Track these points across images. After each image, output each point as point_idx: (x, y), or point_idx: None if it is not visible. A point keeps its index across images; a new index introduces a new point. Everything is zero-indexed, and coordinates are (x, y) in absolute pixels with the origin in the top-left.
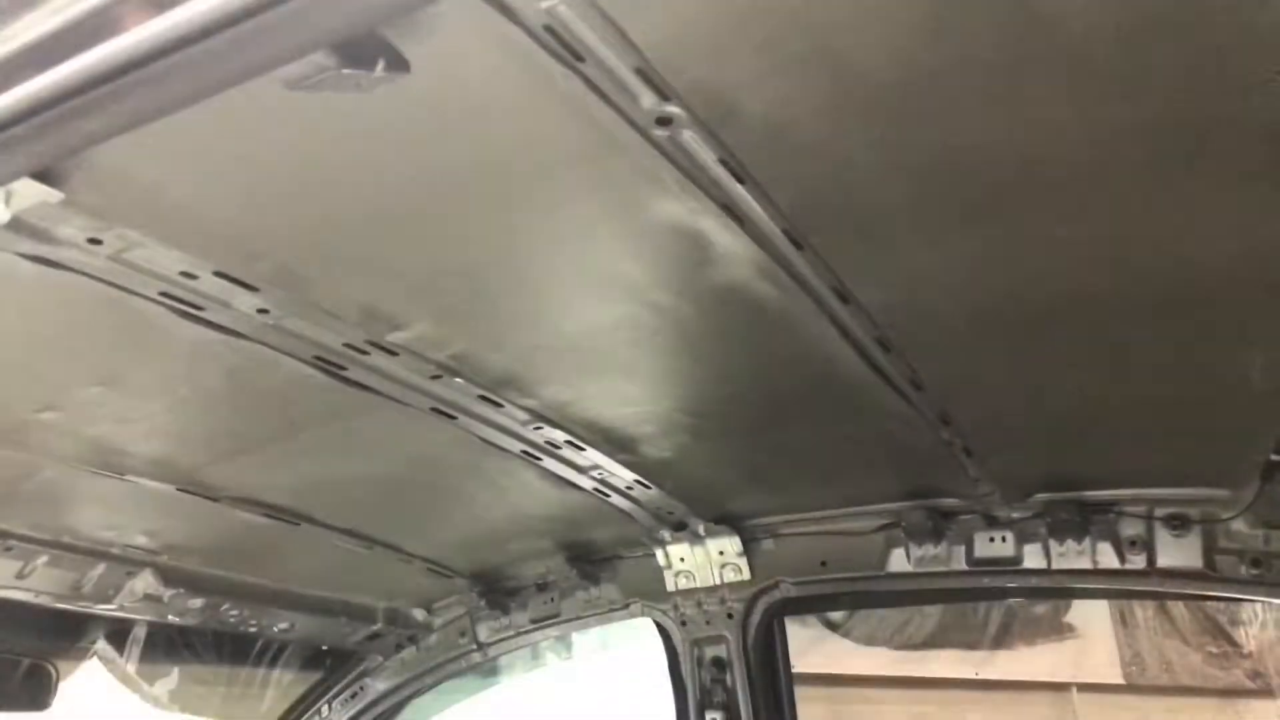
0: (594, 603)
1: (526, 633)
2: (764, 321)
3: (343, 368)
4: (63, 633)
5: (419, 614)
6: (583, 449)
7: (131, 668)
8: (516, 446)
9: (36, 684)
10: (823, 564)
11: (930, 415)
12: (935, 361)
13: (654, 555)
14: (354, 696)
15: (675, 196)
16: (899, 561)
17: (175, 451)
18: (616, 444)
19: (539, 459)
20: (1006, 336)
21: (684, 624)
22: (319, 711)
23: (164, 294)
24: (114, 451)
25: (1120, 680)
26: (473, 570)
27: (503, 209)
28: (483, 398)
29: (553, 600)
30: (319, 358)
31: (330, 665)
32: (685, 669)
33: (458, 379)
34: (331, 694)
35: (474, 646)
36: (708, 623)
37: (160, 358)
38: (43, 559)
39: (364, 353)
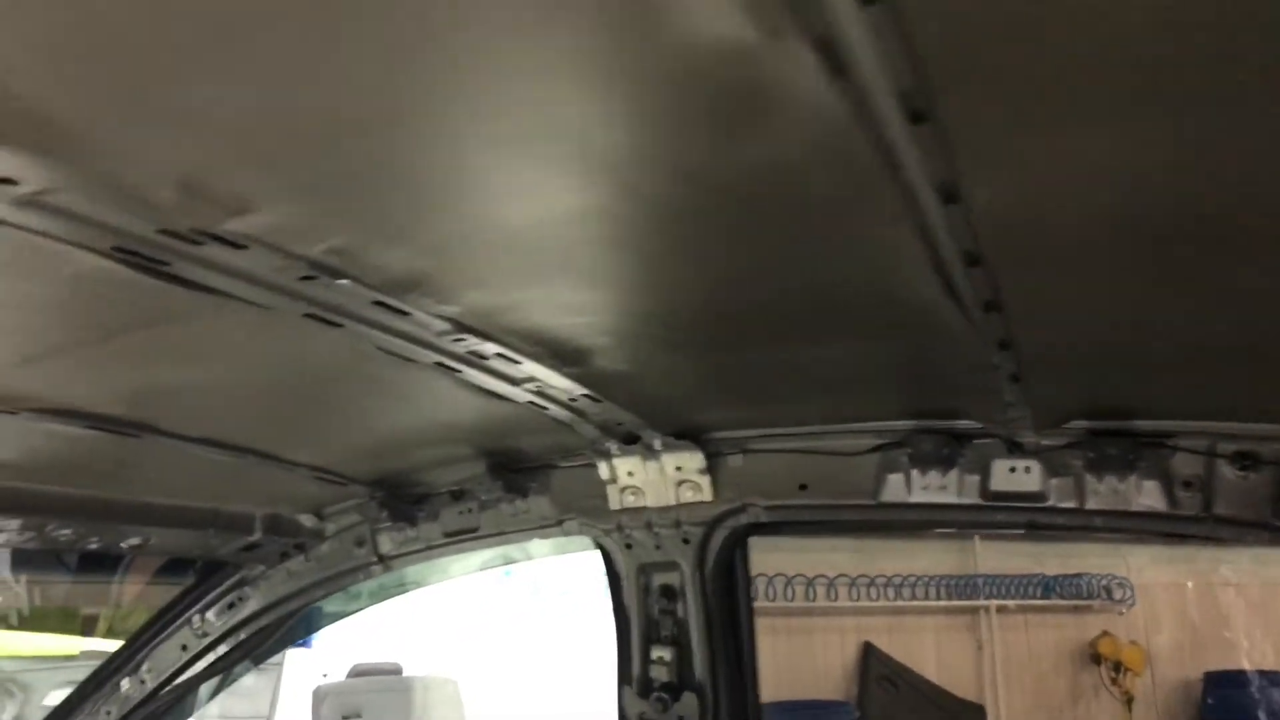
0: (520, 517)
1: (438, 546)
2: (802, 221)
3: (162, 263)
4: None
5: (307, 520)
6: (518, 362)
7: None
8: (429, 358)
9: None
10: (802, 487)
11: (990, 339)
12: (1026, 280)
13: (595, 467)
14: (231, 607)
15: (730, 10)
16: (896, 489)
17: None
18: (562, 357)
19: (458, 370)
20: (1113, 256)
21: (629, 547)
22: (189, 622)
23: None
24: None
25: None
26: (372, 477)
27: (412, 18)
28: (380, 304)
29: (470, 512)
30: (121, 249)
31: (201, 572)
32: (629, 597)
33: (342, 280)
34: (203, 604)
35: (374, 559)
36: (658, 547)
37: None
38: None
39: (193, 242)
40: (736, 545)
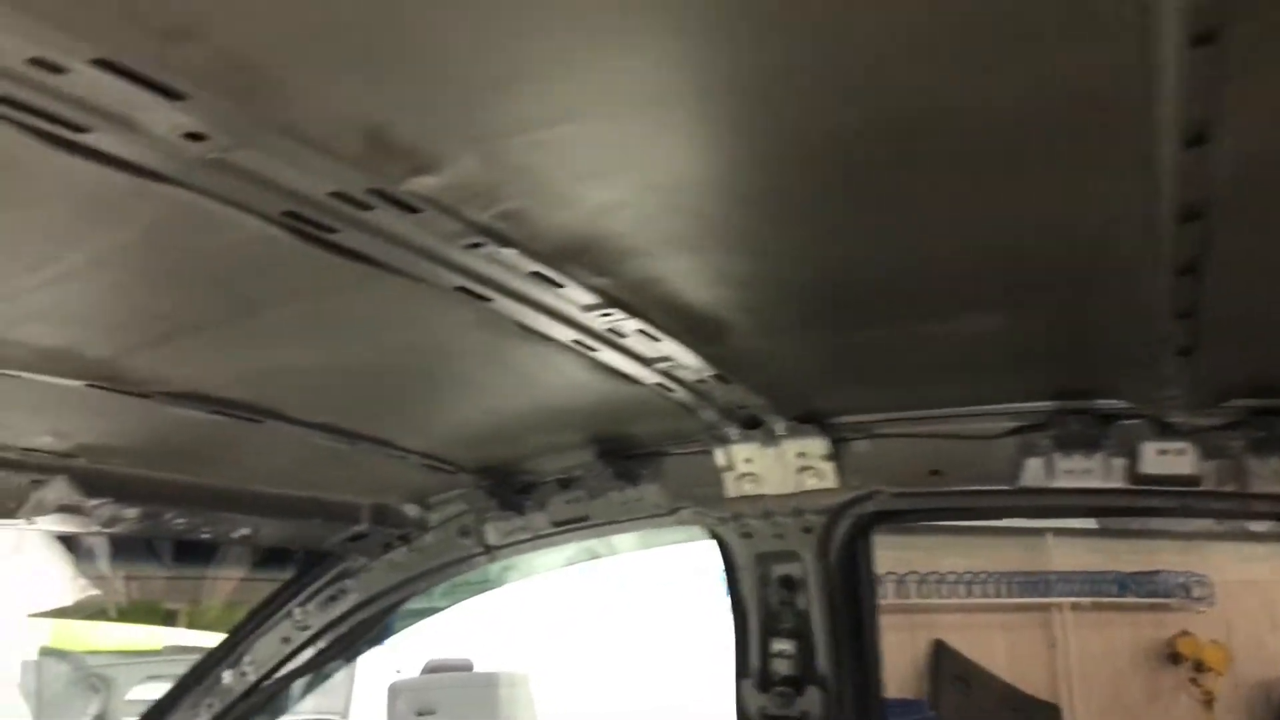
0: (631, 506)
1: (546, 536)
2: (1018, 170)
3: (328, 229)
4: None
5: (412, 510)
6: (656, 339)
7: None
8: (567, 335)
9: None
10: (934, 473)
11: (1171, 307)
12: (1243, 238)
13: (710, 453)
14: (332, 600)
15: None
16: (1036, 473)
17: (76, 338)
18: (702, 334)
19: (593, 350)
20: None
21: (747, 536)
22: (290, 614)
23: (9, 100)
24: None
25: (1093, 525)
26: (479, 464)
27: None
28: (537, 275)
29: (579, 500)
30: (291, 213)
31: (303, 564)
32: (747, 588)
33: (507, 249)
34: (303, 597)
35: (480, 550)
36: (778, 536)
37: (31, 206)
38: None
39: (365, 207)
40: (861, 534)
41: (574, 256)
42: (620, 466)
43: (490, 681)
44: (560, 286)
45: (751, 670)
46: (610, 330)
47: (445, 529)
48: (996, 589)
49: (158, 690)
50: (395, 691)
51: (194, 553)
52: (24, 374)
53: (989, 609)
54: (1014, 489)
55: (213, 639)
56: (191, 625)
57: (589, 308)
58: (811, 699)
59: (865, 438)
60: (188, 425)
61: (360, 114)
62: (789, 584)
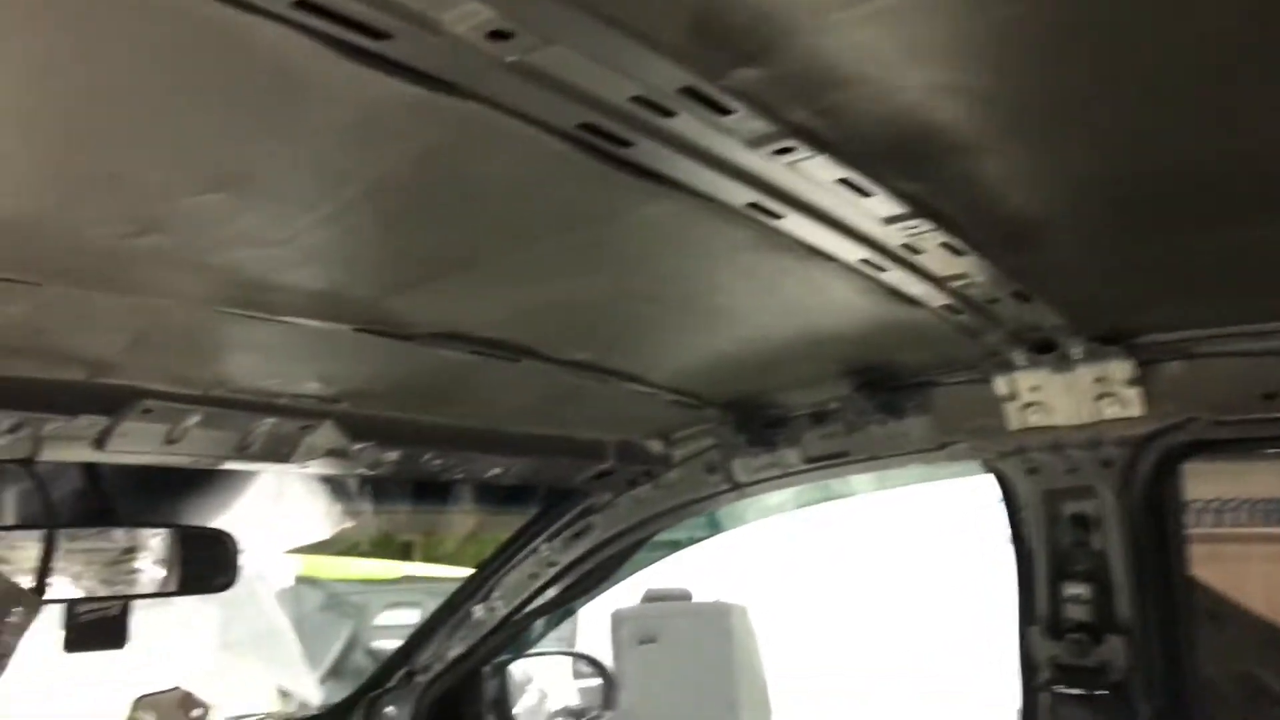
0: (895, 440)
1: (798, 473)
2: None
3: (624, 142)
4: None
5: (656, 446)
6: (960, 254)
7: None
8: (856, 254)
9: (222, 556)
10: (1268, 396)
11: None
12: None
13: (987, 382)
14: (578, 536)
15: None
16: None
17: (346, 280)
18: (1013, 245)
19: (881, 270)
20: None
21: (1032, 471)
22: (535, 550)
23: (309, 5)
24: (256, 286)
25: None
26: (727, 398)
27: None
28: (844, 182)
29: (835, 435)
30: (586, 125)
31: (548, 501)
32: (1032, 527)
33: (819, 155)
34: (549, 533)
35: (727, 486)
36: (1070, 471)
37: (310, 134)
38: (193, 419)
39: (669, 113)
40: (1170, 467)
41: (890, 158)
42: (883, 399)
43: (712, 611)
44: (866, 196)
45: (1039, 616)
46: (906, 246)
47: (691, 465)
48: (1250, 517)
49: (400, 615)
50: (618, 620)
51: (430, 491)
52: (296, 320)
53: (1243, 539)
54: None
55: (446, 571)
56: (426, 558)
57: (892, 219)
58: (1113, 648)
59: (1180, 359)
60: (446, 366)
61: None
62: (1082, 523)
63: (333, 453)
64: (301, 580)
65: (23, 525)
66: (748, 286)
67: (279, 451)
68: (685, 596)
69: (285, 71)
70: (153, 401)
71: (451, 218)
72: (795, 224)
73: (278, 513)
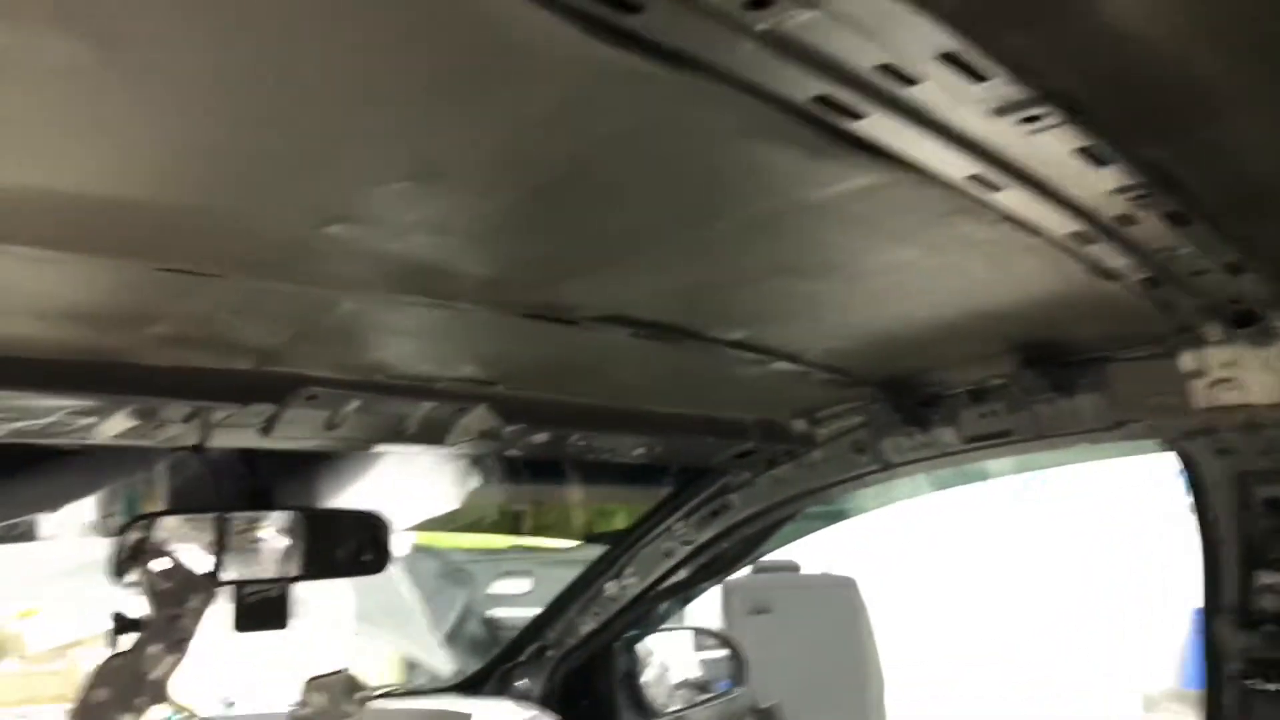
0: (1063, 419)
1: (955, 454)
2: None
3: (856, 114)
4: None
5: (799, 425)
6: (1184, 223)
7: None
8: (1067, 228)
9: (374, 538)
10: None
11: None
12: None
13: (1171, 357)
14: (714, 515)
15: None
16: None
17: (519, 266)
18: (1241, 212)
19: (1088, 243)
20: None
21: (1225, 453)
22: (670, 529)
23: None
24: (428, 273)
25: None
26: (879, 377)
27: None
28: (1084, 151)
29: (995, 414)
30: (822, 99)
31: (683, 479)
32: (1221, 512)
33: (1068, 124)
34: (683, 512)
35: (876, 466)
36: (1266, 452)
37: (514, 118)
38: (353, 404)
39: (912, 81)
40: None
41: (1140, 123)
42: (1054, 376)
43: (822, 583)
44: (1102, 165)
45: (1227, 606)
46: (1123, 217)
47: (837, 445)
48: None
49: (513, 585)
50: (730, 589)
51: (545, 467)
52: (463, 306)
53: None
54: None
55: (554, 542)
56: (536, 530)
57: (1121, 189)
58: None
59: None
60: (603, 349)
61: None
62: (1279, 508)
63: (485, 435)
64: (418, 550)
65: (195, 509)
66: (930, 262)
67: (433, 434)
68: (793, 568)
69: (506, 50)
70: (316, 388)
71: (636, 200)
72: (1012, 196)
73: (406, 489)
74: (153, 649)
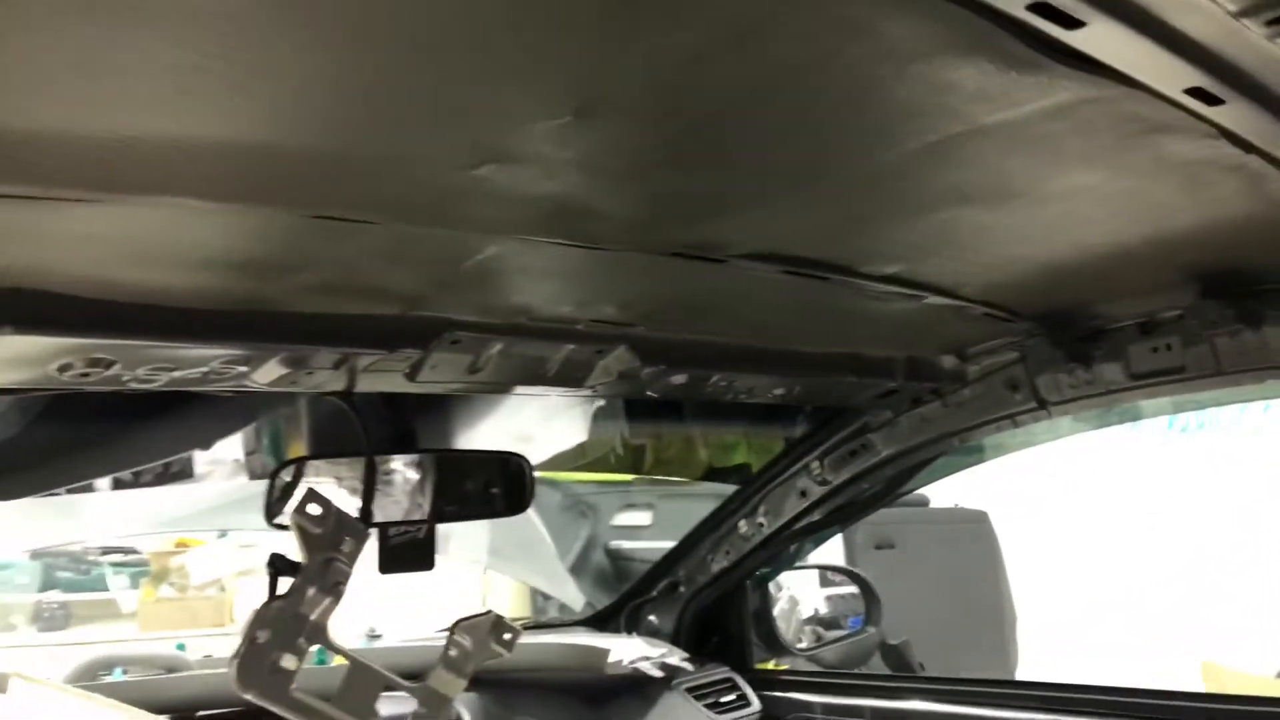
0: (1248, 353)
1: (1120, 391)
2: None
3: (1075, 23)
4: None
5: (948, 362)
6: None
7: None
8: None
9: (516, 479)
10: None
11: None
12: None
13: None
14: (853, 455)
15: None
16: None
17: (671, 204)
18: None
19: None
20: None
21: None
22: (807, 468)
23: None
24: (577, 214)
25: None
26: (1040, 310)
27: None
28: None
29: (1167, 349)
30: (1043, 7)
31: (818, 418)
32: None
33: None
34: (821, 451)
35: (1033, 404)
36: None
37: (678, 50)
38: (496, 347)
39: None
40: None
41: None
42: (1240, 307)
43: (952, 518)
44: None
45: None
46: None
47: (988, 382)
48: None
49: (634, 517)
50: (853, 525)
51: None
52: (609, 246)
53: None
54: None
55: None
56: (655, 467)
57: None
58: None
59: None
60: (750, 287)
61: None
62: None
63: (624, 376)
64: (541, 482)
65: (344, 453)
66: (1116, 185)
67: (573, 376)
68: (923, 502)
69: None
70: (460, 332)
71: (804, 131)
72: (1232, 111)
73: (535, 429)
74: (311, 592)
